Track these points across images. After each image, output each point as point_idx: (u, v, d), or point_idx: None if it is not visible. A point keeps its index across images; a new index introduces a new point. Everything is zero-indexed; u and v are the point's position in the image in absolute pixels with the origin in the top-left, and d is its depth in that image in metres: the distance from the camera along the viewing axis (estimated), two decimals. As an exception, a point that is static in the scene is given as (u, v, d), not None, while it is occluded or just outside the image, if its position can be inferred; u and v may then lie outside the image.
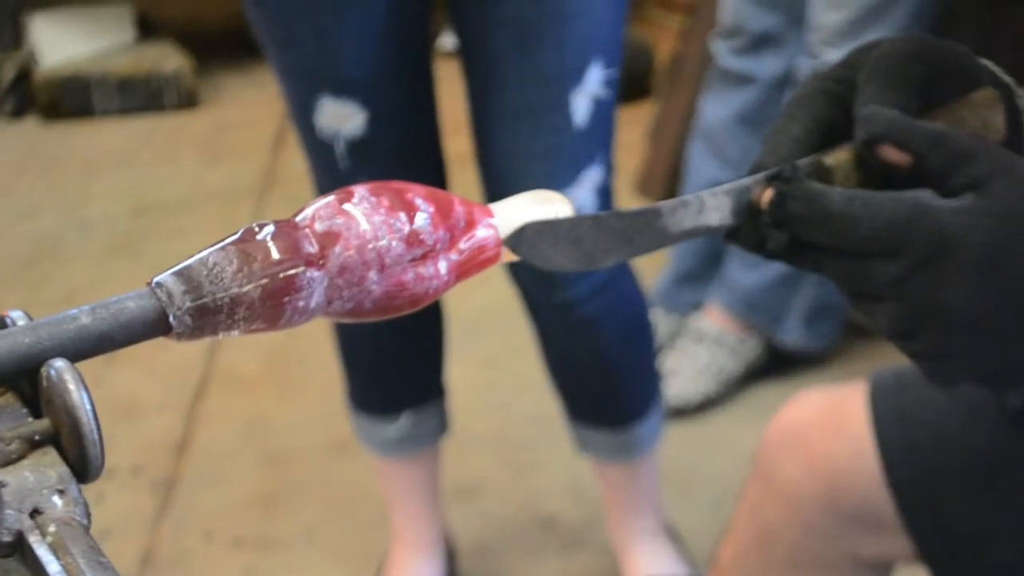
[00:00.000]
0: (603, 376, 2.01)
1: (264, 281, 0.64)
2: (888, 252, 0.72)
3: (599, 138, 1.86)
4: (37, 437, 0.58)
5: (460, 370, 2.78)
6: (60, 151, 4.17)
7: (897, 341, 0.76)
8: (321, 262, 0.66)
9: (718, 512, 2.36)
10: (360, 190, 0.70)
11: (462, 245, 0.72)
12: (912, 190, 0.73)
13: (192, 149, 4.09)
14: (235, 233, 0.66)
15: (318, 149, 1.88)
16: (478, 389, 2.74)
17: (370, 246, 0.68)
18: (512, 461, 2.53)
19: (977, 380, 0.77)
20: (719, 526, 2.31)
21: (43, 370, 0.58)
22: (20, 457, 0.58)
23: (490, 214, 0.74)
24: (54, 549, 0.53)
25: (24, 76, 4.39)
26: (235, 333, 0.66)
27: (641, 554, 2.14)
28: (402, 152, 1.89)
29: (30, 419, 0.59)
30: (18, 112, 4.41)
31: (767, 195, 0.77)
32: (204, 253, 0.64)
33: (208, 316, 0.63)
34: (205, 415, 2.77)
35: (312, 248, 0.66)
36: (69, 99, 4.36)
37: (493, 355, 2.87)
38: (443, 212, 0.71)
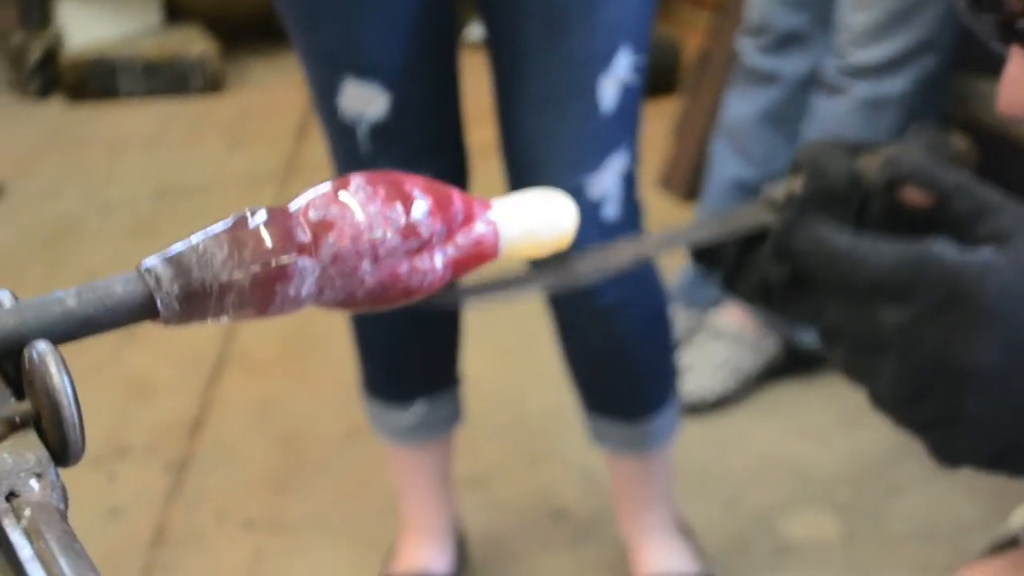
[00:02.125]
0: (620, 367, 2.00)
1: (255, 268, 0.63)
2: (896, 296, 0.69)
3: (626, 124, 1.86)
4: (17, 419, 0.57)
5: (476, 359, 2.77)
6: (84, 132, 4.17)
7: (900, 409, 0.71)
8: (313, 251, 0.65)
9: (730, 510, 2.35)
10: (357, 179, 0.69)
11: (459, 239, 0.71)
12: (924, 238, 0.70)
13: (216, 133, 4.10)
14: (228, 219, 0.65)
15: (340, 132, 1.88)
16: (493, 379, 2.74)
17: (364, 236, 0.67)
18: (525, 451, 2.53)
19: (989, 457, 0.71)
20: (730, 523, 2.31)
21: (25, 352, 0.57)
22: (0, 439, 0.57)
23: (489, 209, 0.73)
24: (28, 533, 0.52)
25: (51, 57, 4.40)
26: (224, 319, 0.65)
27: (652, 549, 2.13)
28: (424, 139, 1.89)
29: (13, 401, 0.58)
30: (44, 92, 4.42)
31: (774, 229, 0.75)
32: (195, 238, 0.63)
33: (196, 301, 0.62)
34: (220, 397, 2.77)
35: (305, 236, 0.65)
36: (95, 81, 4.36)
37: (509, 345, 2.86)
38: (441, 205, 0.70)
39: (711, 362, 2.65)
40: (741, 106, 2.70)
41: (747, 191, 2.65)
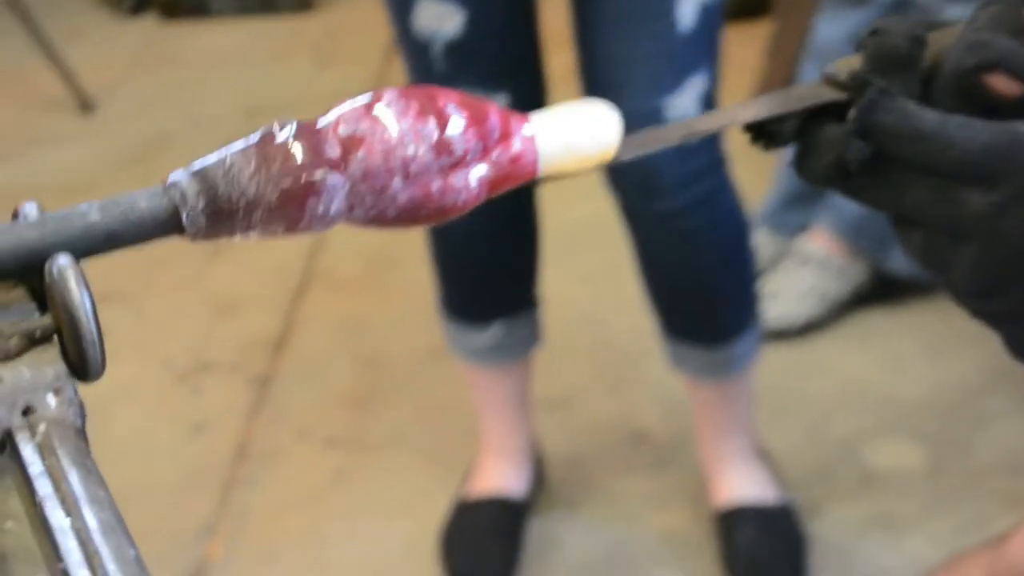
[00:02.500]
0: (700, 292, 1.98)
1: (283, 184, 0.62)
2: (984, 179, 0.65)
3: (705, 45, 1.82)
4: (38, 333, 0.56)
5: (559, 282, 2.76)
6: (176, 50, 4.19)
7: (977, 300, 0.68)
8: (343, 167, 0.64)
9: (812, 437, 2.32)
10: (389, 93, 0.67)
11: (495, 156, 0.69)
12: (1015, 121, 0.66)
13: (305, 52, 4.09)
14: (255, 133, 0.64)
15: (414, 50, 1.86)
16: (576, 301, 2.72)
17: (395, 152, 0.65)
18: (606, 375, 2.51)
19: None
20: (813, 451, 2.28)
21: (46, 266, 0.56)
22: (19, 352, 0.56)
23: (527, 124, 0.71)
24: (40, 449, 0.52)
25: (144, -27, 4.42)
26: (252, 235, 0.64)
27: (731, 475, 2.12)
28: (500, 59, 1.86)
29: (36, 314, 0.57)
30: (137, 9, 4.44)
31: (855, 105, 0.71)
32: (223, 153, 0.62)
33: (223, 217, 0.61)
34: (304, 315, 2.78)
35: (334, 152, 0.64)
36: (187, -2, 4.37)
37: (593, 268, 2.84)
38: (477, 120, 0.68)
39: (797, 288, 2.61)
40: (831, 28, 2.64)
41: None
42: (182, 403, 2.53)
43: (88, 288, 0.55)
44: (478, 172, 0.68)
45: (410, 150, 0.65)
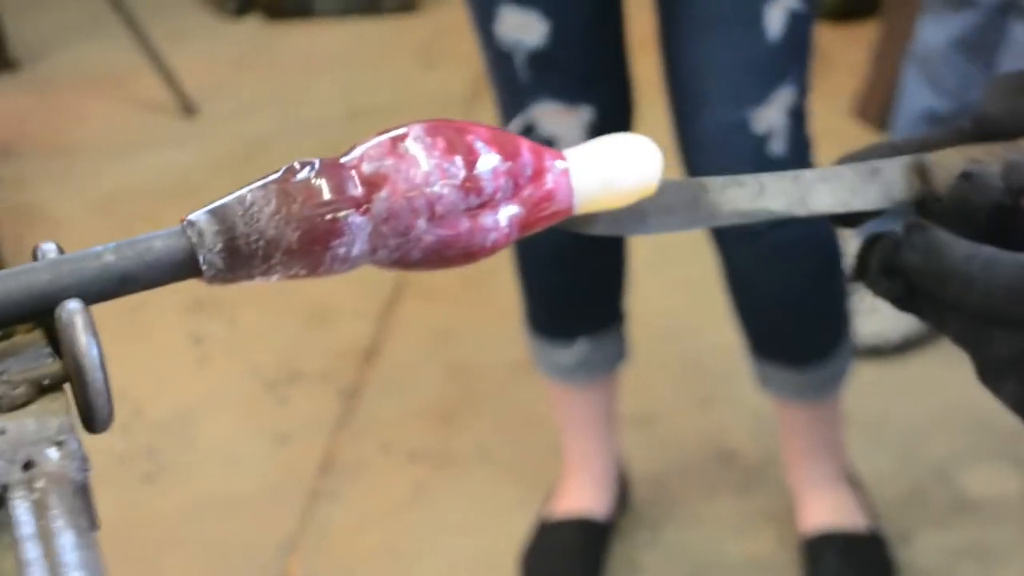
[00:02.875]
0: (788, 311, 1.92)
1: (303, 224, 0.59)
2: (1009, 323, 0.62)
3: (794, 55, 1.77)
4: (47, 381, 0.55)
5: (653, 292, 2.72)
6: (279, 51, 4.20)
7: None
8: (366, 207, 0.61)
9: (905, 461, 2.25)
10: (416, 129, 0.64)
11: (528, 194, 0.65)
12: None
13: (408, 54, 4.07)
14: (277, 171, 0.62)
15: (497, 59, 1.84)
16: (669, 313, 2.67)
17: (420, 192, 0.63)
18: (696, 391, 2.46)
19: None
20: (905, 475, 2.22)
21: (57, 311, 0.55)
22: (27, 402, 0.55)
23: (561, 160, 0.67)
24: (36, 507, 0.50)
25: (250, -26, 4.43)
26: (274, 278, 0.62)
27: (817, 500, 2.06)
28: (584, 69, 1.83)
29: (50, 360, 0.56)
30: (242, 10, 4.45)
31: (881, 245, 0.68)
32: (243, 191, 0.60)
33: (241, 259, 0.59)
34: (396, 324, 2.76)
35: (356, 191, 0.61)
36: (291, 0, 4.37)
37: (689, 279, 2.79)
38: (507, 157, 0.65)
39: (894, 304, 2.53)
40: (934, 32, 2.56)
41: (939, 123, 2.52)
42: (269, 413, 2.53)
43: (96, 335, 0.54)
44: (509, 211, 0.65)
45: (436, 189, 0.62)
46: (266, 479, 2.37)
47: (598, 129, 1.85)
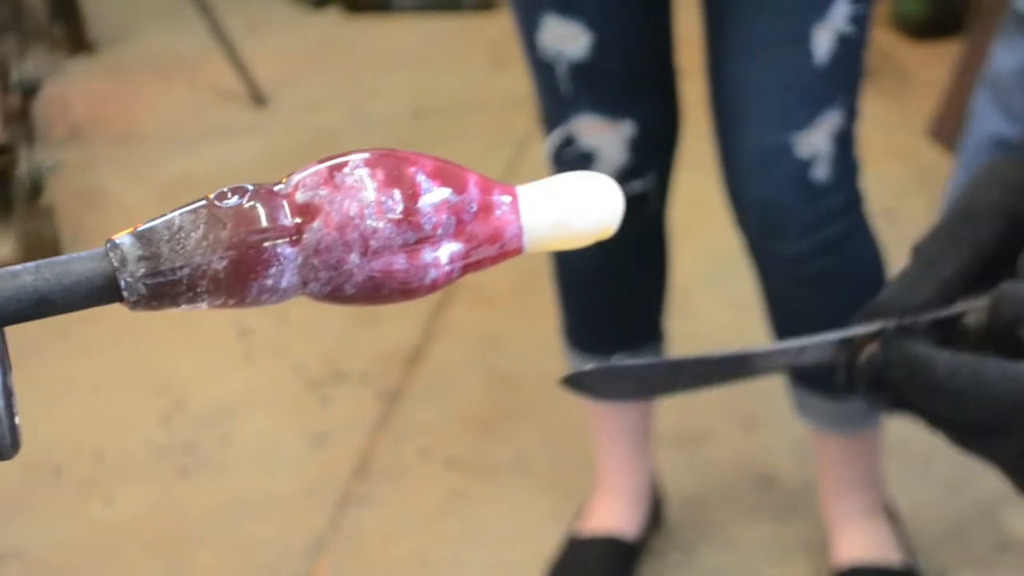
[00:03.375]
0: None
1: (230, 252, 0.57)
2: (1000, 432, 0.63)
3: (842, 79, 1.73)
4: None
5: (706, 308, 2.68)
6: (354, 45, 4.19)
7: None
8: (295, 238, 0.59)
9: (952, 496, 2.19)
10: (355, 159, 0.62)
11: (472, 232, 0.62)
12: None
13: (481, 53, 4.05)
14: (209, 195, 0.60)
15: (539, 70, 1.82)
16: (722, 329, 2.63)
17: (353, 225, 0.60)
18: (741, 412, 2.41)
19: None
20: (947, 511, 2.16)
21: None
22: None
23: (514, 199, 0.64)
24: None
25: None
26: (201, 306, 0.60)
27: (852, 533, 2.01)
28: (627, 83, 1.80)
29: None
30: (322, 2, 4.45)
31: (865, 352, 0.67)
32: (173, 213, 0.58)
33: (165, 286, 0.57)
34: (443, 327, 2.73)
35: (287, 221, 0.59)
36: (381, -7, 4.37)
37: (743, 297, 2.73)
38: (451, 192, 0.62)
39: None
40: (1006, 56, 2.48)
41: (1008, 150, 2.45)
42: (309, 412, 2.51)
43: (4, 361, 0.52)
44: (450, 248, 0.63)
45: (371, 223, 0.60)
46: (301, 479, 2.36)
47: (639, 145, 1.82)
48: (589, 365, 0.69)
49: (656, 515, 2.15)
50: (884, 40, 3.73)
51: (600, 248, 1.90)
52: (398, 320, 2.75)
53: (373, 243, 0.60)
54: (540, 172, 1.89)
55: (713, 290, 2.70)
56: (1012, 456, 0.63)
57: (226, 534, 2.25)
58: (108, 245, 0.57)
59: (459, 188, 0.63)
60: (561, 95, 1.80)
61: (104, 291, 0.57)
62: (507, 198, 0.64)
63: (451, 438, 2.42)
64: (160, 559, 2.23)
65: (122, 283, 0.56)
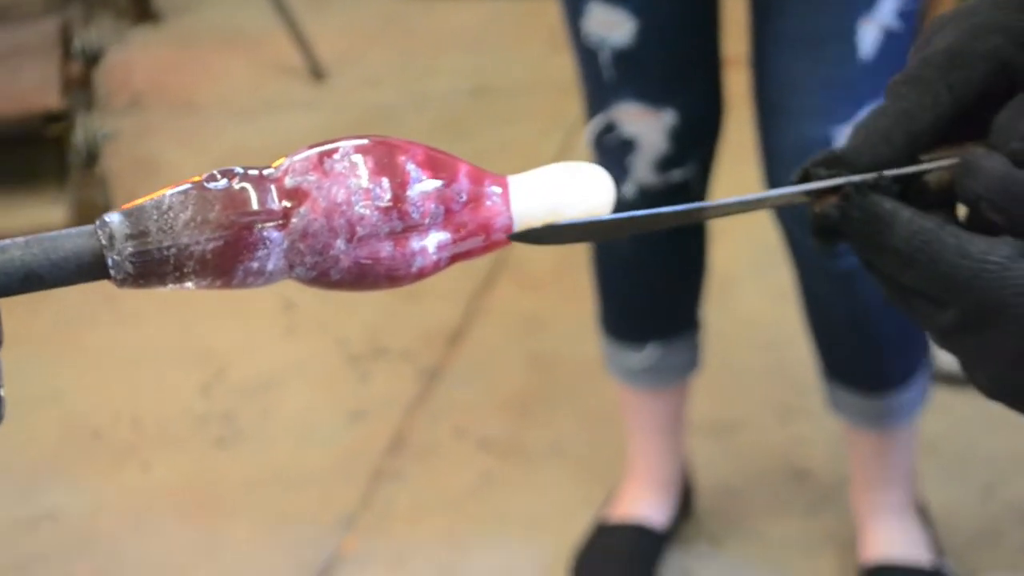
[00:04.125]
0: (861, 336, 1.87)
1: (217, 234, 0.58)
2: (938, 303, 0.61)
3: (887, 73, 1.70)
4: None
5: (750, 298, 2.67)
6: (414, 23, 4.19)
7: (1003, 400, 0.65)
8: (282, 222, 0.60)
9: (988, 499, 2.17)
10: (346, 146, 0.63)
11: (461, 221, 0.63)
12: (998, 240, 0.60)
13: (540, 35, 4.03)
14: (199, 176, 0.60)
15: (583, 55, 1.82)
16: (764, 321, 2.61)
17: (340, 212, 0.61)
18: (779, 403, 2.40)
19: None
20: (981, 512, 2.14)
21: None
22: None
23: (505, 189, 0.64)
24: None
25: (397, -57, 4.43)
26: (188, 286, 0.61)
27: (882, 530, 2.00)
28: (670, 72, 1.80)
29: None
30: (385, -20, 4.46)
31: (826, 202, 0.65)
32: (164, 193, 0.59)
33: (152, 265, 0.58)
34: (486, 307, 2.74)
35: (275, 205, 0.60)
36: (434, -29, 4.37)
37: (786, 286, 2.71)
38: (440, 183, 0.63)
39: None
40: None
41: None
42: (348, 387, 2.53)
43: None
44: (438, 238, 0.64)
45: (358, 210, 0.61)
46: (336, 454, 2.37)
47: (680, 134, 1.81)
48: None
49: (686, 504, 2.15)
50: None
51: (638, 237, 1.91)
52: (442, 299, 2.75)
53: (360, 230, 0.61)
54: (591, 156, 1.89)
55: (755, 280, 2.68)
56: (944, 328, 0.61)
57: (259, 505, 2.27)
58: (97, 223, 0.58)
59: (449, 178, 0.63)
60: (604, 81, 1.80)
61: (92, 268, 0.58)
62: (498, 188, 0.65)
63: (486, 419, 2.43)
64: (193, 527, 2.26)
65: (109, 261, 0.57)
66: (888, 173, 0.64)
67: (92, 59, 3.46)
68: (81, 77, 3.38)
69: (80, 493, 2.32)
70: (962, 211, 0.64)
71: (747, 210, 0.68)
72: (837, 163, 0.65)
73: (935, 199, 0.64)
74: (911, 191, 0.64)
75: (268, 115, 3.65)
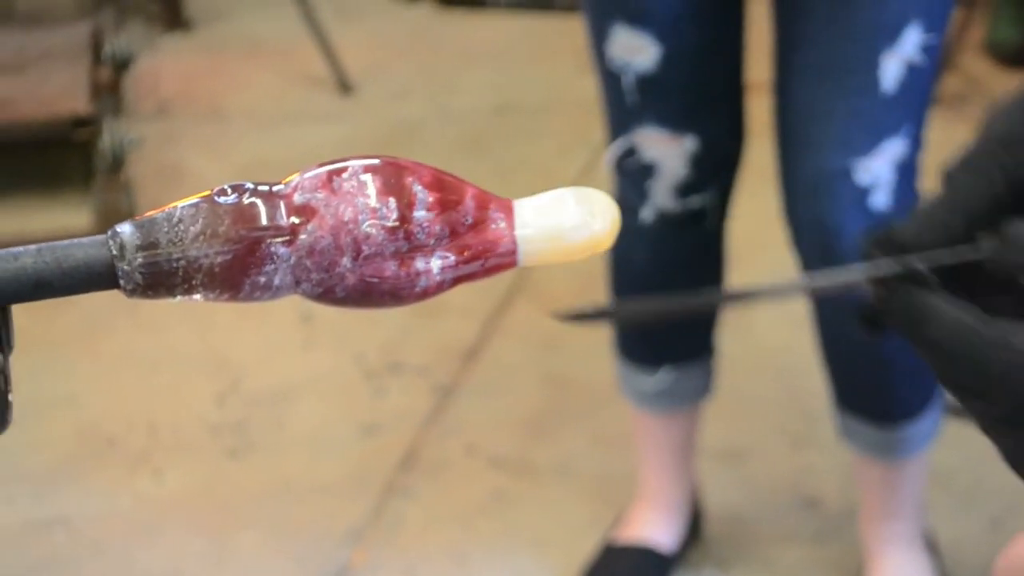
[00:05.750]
0: (874, 367, 1.87)
1: (226, 247, 0.60)
2: (984, 397, 0.61)
3: (908, 108, 1.72)
4: None
5: (768, 325, 2.67)
6: (443, 38, 4.21)
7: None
8: (290, 238, 0.61)
9: (997, 531, 2.17)
10: (355, 165, 0.64)
11: (466, 243, 0.64)
12: None
13: (568, 54, 4.04)
14: (211, 190, 0.61)
15: (607, 80, 1.83)
16: (778, 348, 2.62)
17: (347, 230, 0.62)
18: (789, 431, 2.40)
19: None
20: (991, 547, 2.13)
21: None
22: None
23: (509, 213, 0.65)
24: None
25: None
26: (196, 297, 0.62)
27: (888, 562, 2.00)
28: (693, 98, 1.80)
29: None
30: (416, -5, 4.48)
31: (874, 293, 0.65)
32: (176, 206, 0.60)
33: (161, 276, 0.59)
34: (503, 326, 2.75)
35: (283, 221, 0.61)
36: (465, -13, 4.39)
37: (803, 314, 2.72)
38: (445, 204, 0.64)
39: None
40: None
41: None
42: (363, 402, 2.54)
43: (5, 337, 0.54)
44: (443, 259, 0.65)
45: (364, 229, 0.62)
46: (347, 468, 2.38)
47: (701, 160, 1.82)
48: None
49: (695, 528, 2.15)
50: (976, 67, 3.69)
51: (655, 262, 1.92)
52: (461, 316, 2.76)
53: (366, 248, 0.62)
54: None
55: (772, 309, 2.68)
56: (992, 421, 0.61)
57: (269, 516, 2.28)
58: (109, 233, 0.59)
59: (455, 200, 0.64)
60: (626, 106, 1.81)
61: (102, 277, 0.59)
62: (503, 212, 0.66)
63: (499, 437, 2.43)
64: (203, 537, 2.27)
65: (119, 271, 0.58)
66: (933, 254, 0.63)
67: (122, 65, 3.48)
68: (110, 83, 3.41)
69: (92, 499, 2.33)
70: None
71: (796, 293, 0.69)
72: (891, 246, 0.65)
73: (1000, 283, 0.64)
74: (974, 277, 0.63)
75: (293, 126, 3.67)
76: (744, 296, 0.70)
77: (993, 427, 0.62)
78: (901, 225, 0.65)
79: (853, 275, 0.67)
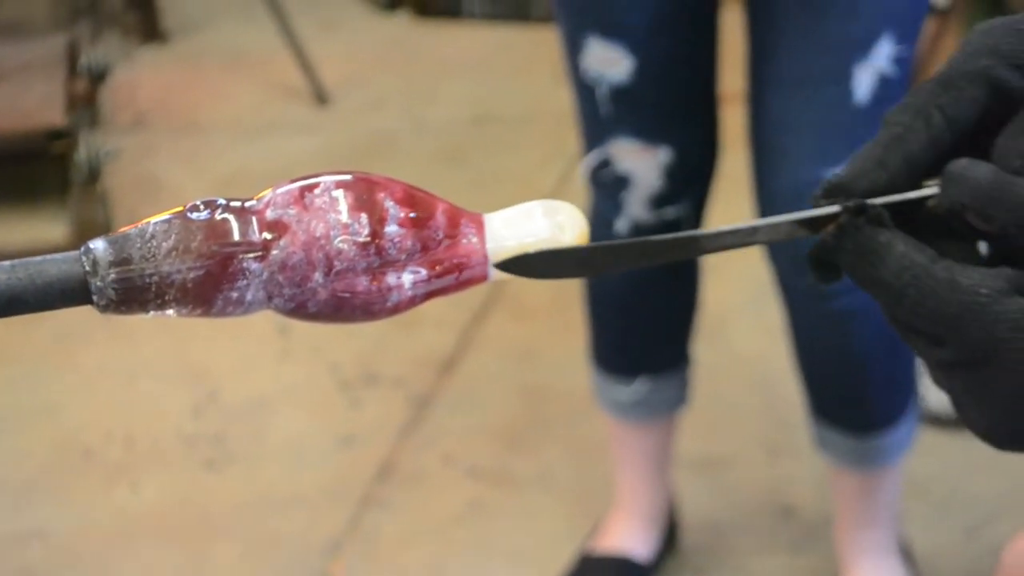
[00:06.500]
0: (849, 377, 1.88)
1: (198, 263, 0.60)
2: (934, 339, 0.60)
3: (881, 119, 1.72)
4: None
5: (744, 335, 2.68)
6: (419, 49, 4.21)
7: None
8: (262, 254, 0.62)
9: (972, 539, 2.18)
10: (327, 180, 0.65)
11: (437, 258, 0.65)
12: (992, 271, 0.59)
13: (545, 65, 4.04)
14: (184, 206, 0.62)
15: (581, 92, 1.84)
16: (755, 358, 2.63)
17: (319, 246, 0.63)
18: (767, 441, 2.41)
19: None
20: (967, 555, 2.15)
21: None
22: None
23: (480, 227, 0.66)
24: None
25: (404, -30, 4.46)
26: (169, 313, 0.63)
27: (865, 570, 2.01)
28: (667, 110, 1.81)
29: None
30: (393, 4, 4.48)
31: (821, 234, 0.64)
32: (149, 222, 0.61)
33: (134, 292, 0.60)
34: (479, 338, 2.75)
35: (256, 237, 0.62)
36: (441, -1, 4.39)
37: (779, 324, 2.73)
38: (417, 220, 0.65)
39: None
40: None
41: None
42: (339, 413, 2.54)
43: None
44: (414, 274, 0.65)
45: (336, 245, 0.62)
46: (324, 479, 2.38)
47: (675, 172, 1.83)
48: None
49: (671, 538, 2.16)
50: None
51: (630, 274, 1.92)
52: (437, 327, 2.77)
53: (337, 264, 0.63)
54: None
55: (748, 318, 2.70)
56: (941, 363, 0.60)
57: (247, 528, 2.28)
58: (82, 249, 0.60)
59: (426, 216, 0.65)
60: (600, 117, 1.81)
61: (76, 293, 0.60)
62: (474, 226, 0.66)
63: (476, 448, 2.44)
64: (180, 549, 2.27)
65: (92, 287, 0.59)
66: (877, 200, 0.62)
67: (98, 77, 3.48)
68: (86, 95, 3.41)
69: (69, 511, 2.33)
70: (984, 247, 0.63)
71: (742, 242, 0.67)
72: (834, 191, 0.63)
73: (944, 224, 0.62)
74: (920, 217, 0.62)
75: (270, 137, 3.67)
76: (691, 241, 0.68)
77: (941, 369, 0.60)
78: (842, 170, 0.64)
79: (809, 214, 0.65)
